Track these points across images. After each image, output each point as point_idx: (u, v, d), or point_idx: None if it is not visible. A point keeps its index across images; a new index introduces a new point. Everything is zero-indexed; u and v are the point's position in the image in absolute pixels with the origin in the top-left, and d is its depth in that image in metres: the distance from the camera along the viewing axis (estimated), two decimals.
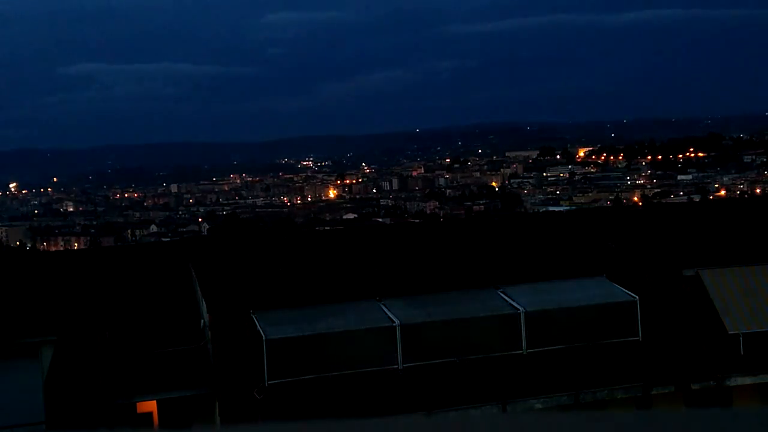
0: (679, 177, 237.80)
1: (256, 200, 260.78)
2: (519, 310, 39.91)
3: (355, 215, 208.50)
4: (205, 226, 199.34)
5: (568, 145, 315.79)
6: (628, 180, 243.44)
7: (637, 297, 38.70)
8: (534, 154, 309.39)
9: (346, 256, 42.41)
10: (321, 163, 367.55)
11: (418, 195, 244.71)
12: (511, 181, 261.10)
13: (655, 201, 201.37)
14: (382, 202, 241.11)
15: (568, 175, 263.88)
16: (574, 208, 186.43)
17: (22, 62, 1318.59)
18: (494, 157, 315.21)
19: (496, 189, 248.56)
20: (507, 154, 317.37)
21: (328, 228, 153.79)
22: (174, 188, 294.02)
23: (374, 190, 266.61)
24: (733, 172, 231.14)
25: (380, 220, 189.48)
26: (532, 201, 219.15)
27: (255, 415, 32.82)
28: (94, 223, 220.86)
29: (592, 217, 56.11)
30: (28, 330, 32.79)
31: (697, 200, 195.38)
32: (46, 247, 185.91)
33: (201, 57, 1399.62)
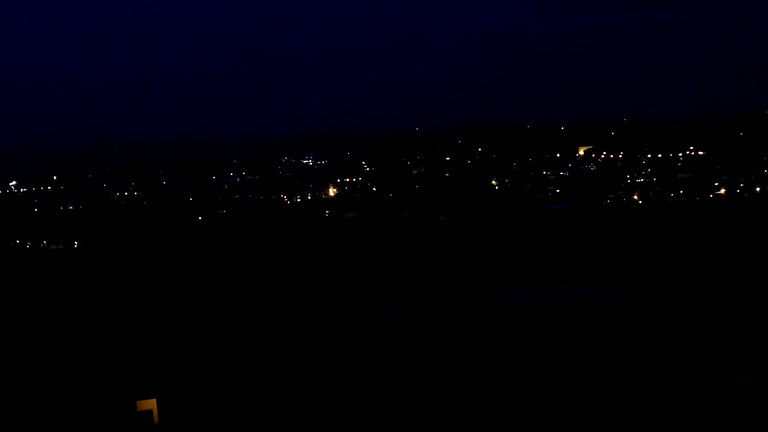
0: (680, 175, 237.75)
1: (257, 199, 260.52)
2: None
3: (355, 213, 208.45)
4: (205, 224, 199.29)
5: (568, 144, 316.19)
6: (628, 178, 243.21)
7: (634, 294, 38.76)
8: (534, 152, 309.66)
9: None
10: (321, 161, 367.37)
11: (418, 193, 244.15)
12: (512, 180, 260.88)
13: (655, 199, 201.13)
14: (382, 200, 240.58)
15: (568, 174, 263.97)
16: (573, 206, 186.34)
17: (22, 61, 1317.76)
18: (494, 156, 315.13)
19: (496, 188, 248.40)
20: (507, 152, 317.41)
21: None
22: (174, 186, 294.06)
23: (374, 189, 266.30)
24: (733, 171, 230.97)
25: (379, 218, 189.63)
26: (532, 200, 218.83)
27: None
28: (94, 221, 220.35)
29: (592, 216, 56.72)
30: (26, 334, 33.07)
31: (697, 199, 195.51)
32: (46, 246, 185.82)
33: (200, 54, 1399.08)
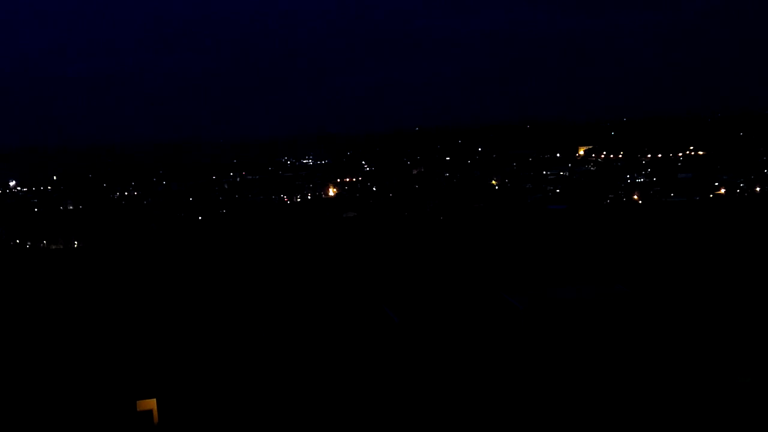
0: (680, 175, 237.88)
1: (257, 198, 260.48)
2: None
3: (355, 213, 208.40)
4: (205, 224, 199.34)
5: (568, 144, 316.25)
6: (628, 178, 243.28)
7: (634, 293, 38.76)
8: (534, 152, 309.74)
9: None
10: (321, 161, 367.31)
11: (418, 193, 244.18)
12: (512, 180, 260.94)
13: (655, 199, 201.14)
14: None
15: (568, 174, 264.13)
16: (573, 206, 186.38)
17: (23, 61, 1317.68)
18: (494, 156, 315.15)
19: (496, 188, 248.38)
20: (509, 152, 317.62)
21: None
22: (174, 186, 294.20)
23: (374, 189, 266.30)
24: (733, 171, 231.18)
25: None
26: (532, 200, 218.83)
27: None
28: (94, 221, 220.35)
29: (592, 216, 57.09)
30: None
31: (697, 199, 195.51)
32: (46, 246, 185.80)
33: (200, 54, 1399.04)
